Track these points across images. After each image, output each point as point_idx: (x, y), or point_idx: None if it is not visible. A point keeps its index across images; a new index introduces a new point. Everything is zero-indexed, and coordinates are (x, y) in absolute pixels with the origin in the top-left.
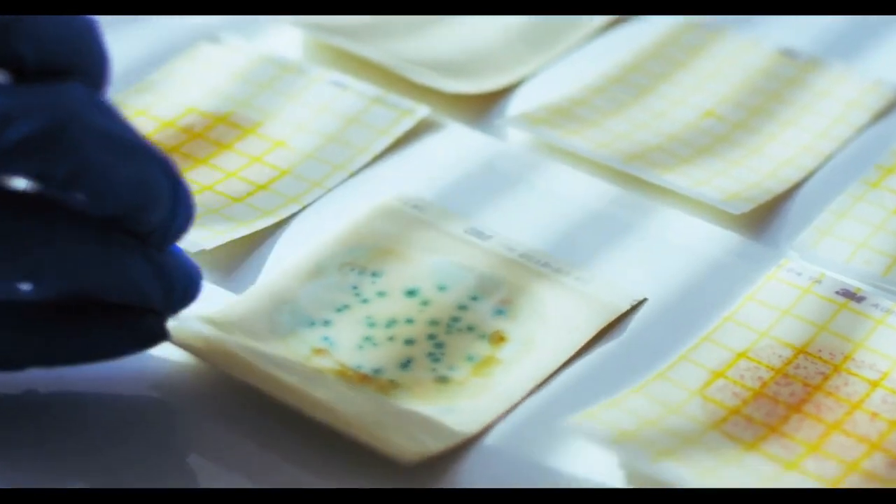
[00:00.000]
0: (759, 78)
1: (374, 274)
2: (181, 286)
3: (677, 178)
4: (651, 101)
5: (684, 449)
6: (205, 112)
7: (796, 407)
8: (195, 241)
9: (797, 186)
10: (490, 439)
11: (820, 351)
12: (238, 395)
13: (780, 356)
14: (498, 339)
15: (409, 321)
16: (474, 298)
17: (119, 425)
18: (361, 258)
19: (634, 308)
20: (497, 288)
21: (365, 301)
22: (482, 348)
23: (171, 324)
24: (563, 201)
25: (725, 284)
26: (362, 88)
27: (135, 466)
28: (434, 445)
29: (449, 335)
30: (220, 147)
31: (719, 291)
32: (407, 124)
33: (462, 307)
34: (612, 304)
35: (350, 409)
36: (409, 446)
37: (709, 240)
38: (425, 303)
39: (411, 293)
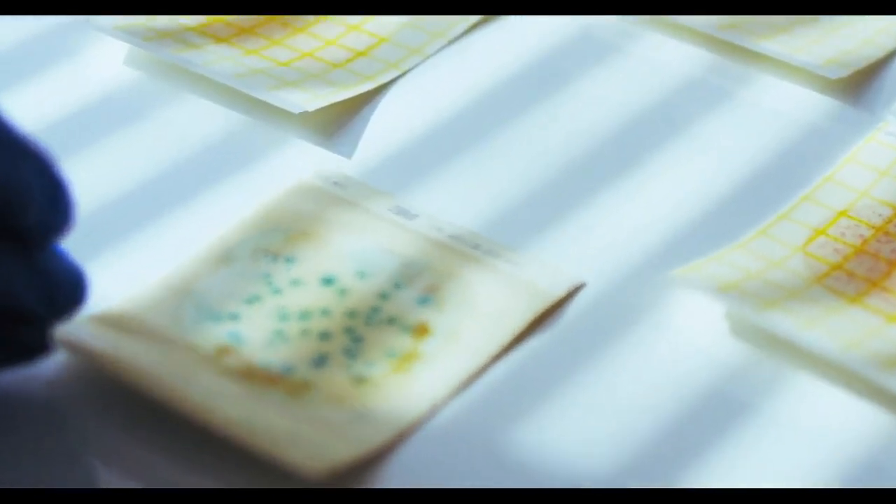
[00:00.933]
0: None
1: (288, 260)
2: (63, 291)
3: (774, 45)
4: None
5: (789, 301)
6: None
7: None
8: (298, 103)
9: (894, 54)
10: (412, 445)
11: None
12: (132, 396)
13: (879, 215)
14: (421, 331)
15: (325, 313)
16: (397, 286)
17: (7, 425)
18: (276, 243)
19: (572, 294)
20: (422, 274)
21: (277, 291)
22: (404, 342)
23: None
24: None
25: (823, 148)
26: None
27: (22, 466)
28: (341, 457)
29: (368, 328)
30: (319, 18)
31: (817, 155)
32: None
33: (383, 296)
34: (548, 290)
35: (253, 423)
36: (313, 461)
37: (806, 105)
38: (343, 292)
39: (328, 281)
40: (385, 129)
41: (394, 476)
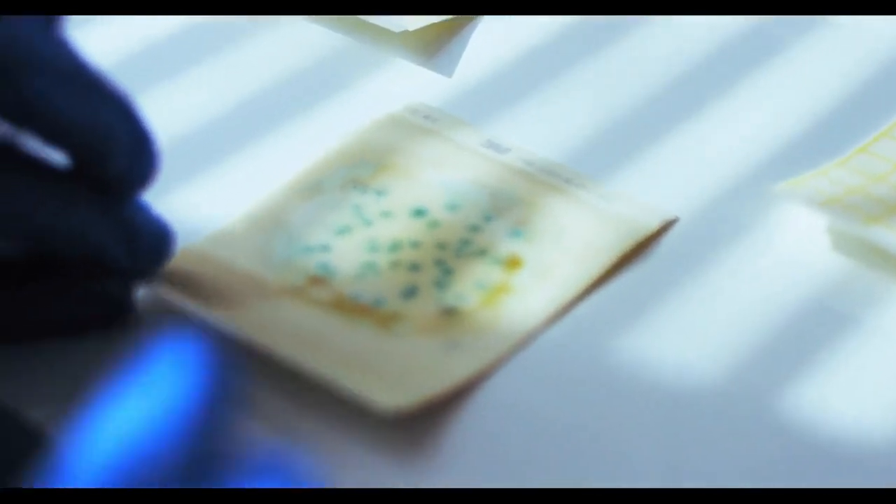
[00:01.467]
0: None
1: (378, 192)
2: (147, 243)
3: None
4: None
5: (891, 215)
6: None
7: None
8: (400, 23)
9: None
10: (499, 378)
11: None
12: (222, 331)
13: None
14: (512, 263)
15: (415, 244)
16: (488, 219)
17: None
18: (366, 174)
19: (664, 228)
20: (513, 207)
21: (367, 222)
22: (494, 274)
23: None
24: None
25: None
26: None
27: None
28: (430, 390)
29: (458, 260)
30: None
31: None
32: None
33: (474, 228)
34: (641, 224)
35: (342, 354)
36: (400, 395)
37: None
38: (433, 224)
39: (418, 213)
40: (480, 55)
41: (484, 407)
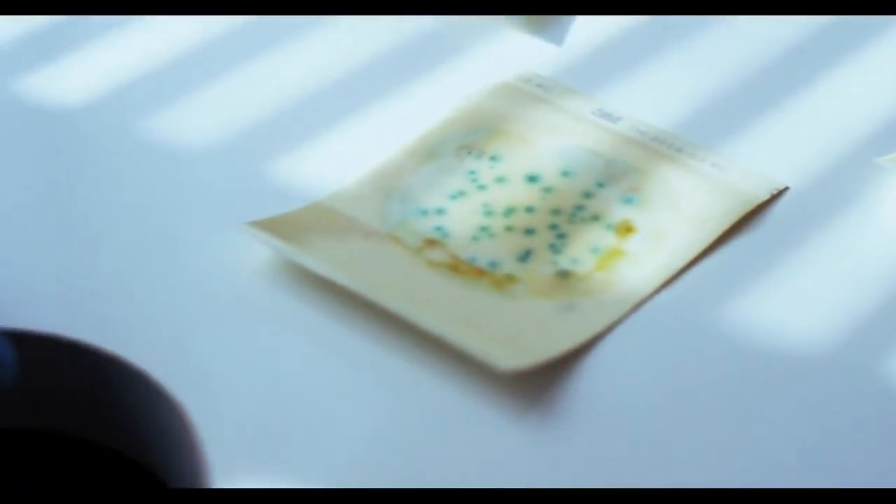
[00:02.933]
0: None
1: (492, 158)
2: None
3: None
4: None
5: None
6: None
7: None
8: None
9: None
10: (611, 341)
11: None
12: (337, 290)
13: None
14: (625, 229)
15: (530, 209)
16: (601, 185)
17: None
18: (480, 140)
19: (774, 198)
20: (626, 174)
21: (482, 187)
22: (608, 239)
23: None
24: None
25: None
26: None
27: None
28: (546, 352)
29: (572, 225)
30: None
31: None
32: None
33: (587, 195)
34: (751, 193)
35: (459, 314)
36: (517, 356)
37: None
38: (548, 189)
39: (532, 179)
40: (589, 24)
41: (595, 367)
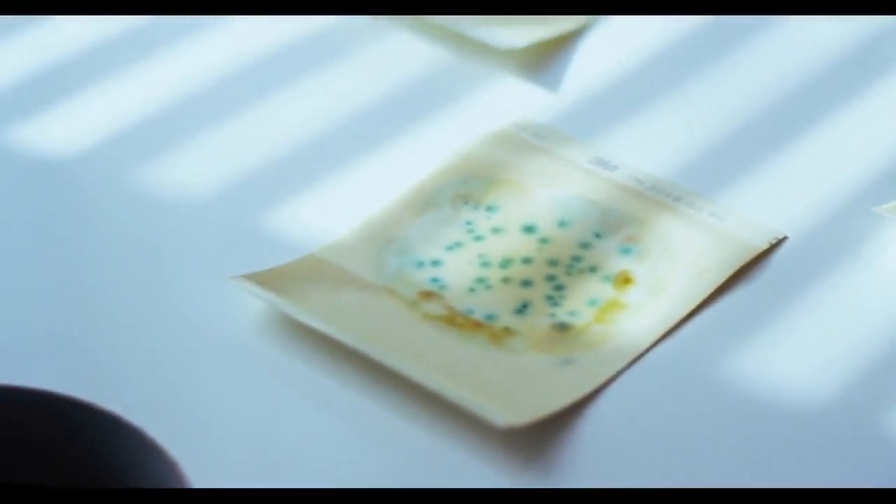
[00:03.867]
0: None
1: (489, 208)
2: None
3: None
4: None
5: None
6: None
7: None
8: (505, 40)
9: None
10: (610, 393)
11: None
12: (332, 344)
13: None
14: (623, 280)
15: (527, 260)
16: (598, 235)
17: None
18: (476, 190)
19: (773, 247)
20: (623, 224)
21: (479, 238)
22: (606, 291)
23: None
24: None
25: None
26: None
27: (228, 418)
28: (546, 407)
29: (569, 276)
30: None
31: None
32: None
33: (584, 245)
34: (750, 243)
35: (455, 368)
36: (516, 411)
37: None
38: (544, 240)
39: (529, 229)
40: (584, 71)
41: (594, 419)
